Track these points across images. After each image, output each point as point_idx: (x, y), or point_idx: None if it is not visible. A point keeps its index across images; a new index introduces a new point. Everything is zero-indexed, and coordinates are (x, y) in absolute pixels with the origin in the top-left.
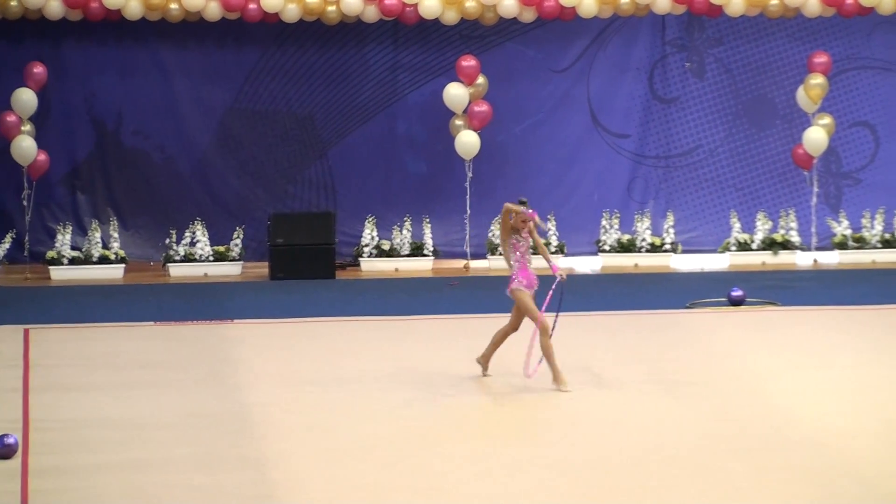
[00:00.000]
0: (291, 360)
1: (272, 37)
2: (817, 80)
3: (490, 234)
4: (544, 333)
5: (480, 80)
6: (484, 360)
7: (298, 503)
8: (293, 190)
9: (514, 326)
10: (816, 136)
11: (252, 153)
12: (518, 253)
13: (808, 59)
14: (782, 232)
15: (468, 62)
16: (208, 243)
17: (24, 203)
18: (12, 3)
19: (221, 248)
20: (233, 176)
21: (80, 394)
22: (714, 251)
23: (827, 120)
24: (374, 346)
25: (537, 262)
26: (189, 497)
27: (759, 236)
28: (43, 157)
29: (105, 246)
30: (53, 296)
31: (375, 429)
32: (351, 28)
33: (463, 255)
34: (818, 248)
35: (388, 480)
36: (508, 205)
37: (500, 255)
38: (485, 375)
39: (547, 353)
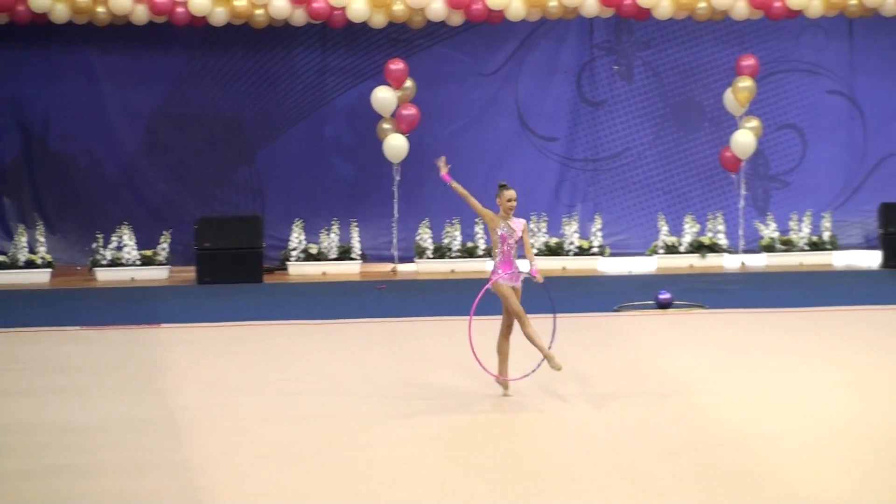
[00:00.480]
0: (219, 365)
1: (200, 40)
2: (745, 82)
3: (417, 238)
4: (525, 324)
5: (408, 83)
6: (503, 377)
7: None
8: (221, 194)
9: (508, 327)
10: (744, 139)
11: (180, 157)
12: (506, 246)
13: (735, 61)
14: (710, 235)
15: (396, 65)
16: (135, 247)
17: None
18: None
19: (149, 253)
20: (160, 180)
21: (5, 398)
22: (642, 254)
23: (754, 123)
24: (301, 350)
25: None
26: (115, 502)
27: (686, 239)
28: None
29: (31, 250)
30: None
31: (303, 433)
32: (279, 32)
33: (391, 259)
34: (746, 251)
35: (316, 485)
36: (456, 186)
37: (427, 258)
38: (506, 395)
39: (533, 340)
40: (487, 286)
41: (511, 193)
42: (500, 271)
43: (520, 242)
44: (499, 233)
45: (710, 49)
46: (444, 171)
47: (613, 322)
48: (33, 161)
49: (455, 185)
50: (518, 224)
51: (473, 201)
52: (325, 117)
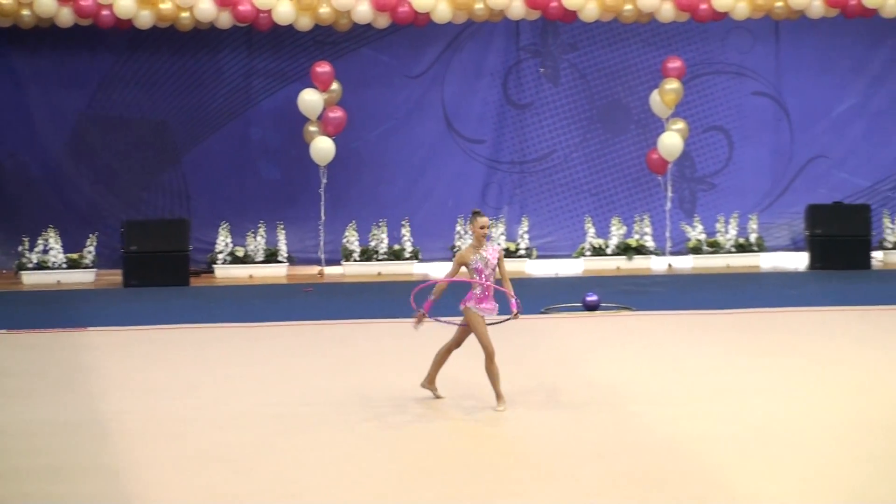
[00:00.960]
0: (146, 368)
1: (125, 43)
2: (671, 85)
3: (344, 241)
4: (490, 359)
5: (335, 86)
6: (429, 383)
7: None
8: (147, 197)
9: (457, 342)
10: (671, 142)
11: (105, 160)
12: (483, 278)
13: (662, 64)
14: (637, 237)
15: (322, 68)
16: (61, 251)
17: None
18: None
19: (75, 256)
20: (86, 183)
21: None
22: (569, 256)
23: (681, 125)
24: (229, 353)
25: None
26: None
27: (613, 241)
28: None
29: None
30: None
31: (232, 436)
32: (204, 34)
33: (317, 262)
34: (673, 253)
35: (245, 487)
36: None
37: (354, 261)
38: (437, 397)
39: (492, 377)
40: (459, 308)
41: (483, 221)
42: (477, 299)
43: (496, 270)
44: (472, 266)
45: (637, 51)
46: (423, 313)
47: (541, 324)
48: None
49: (432, 295)
50: (492, 252)
51: (450, 276)
52: (252, 120)
